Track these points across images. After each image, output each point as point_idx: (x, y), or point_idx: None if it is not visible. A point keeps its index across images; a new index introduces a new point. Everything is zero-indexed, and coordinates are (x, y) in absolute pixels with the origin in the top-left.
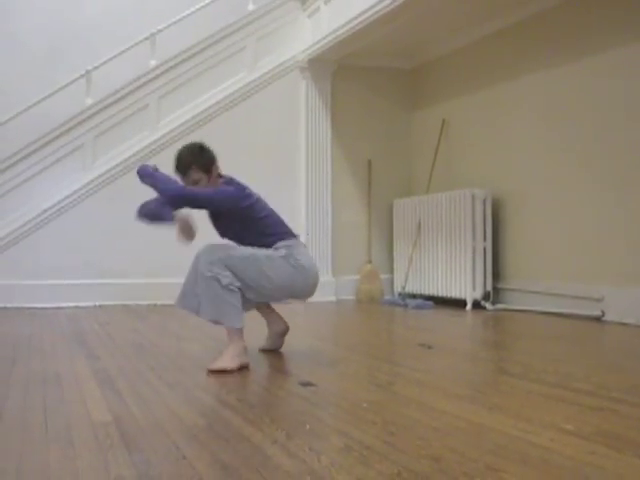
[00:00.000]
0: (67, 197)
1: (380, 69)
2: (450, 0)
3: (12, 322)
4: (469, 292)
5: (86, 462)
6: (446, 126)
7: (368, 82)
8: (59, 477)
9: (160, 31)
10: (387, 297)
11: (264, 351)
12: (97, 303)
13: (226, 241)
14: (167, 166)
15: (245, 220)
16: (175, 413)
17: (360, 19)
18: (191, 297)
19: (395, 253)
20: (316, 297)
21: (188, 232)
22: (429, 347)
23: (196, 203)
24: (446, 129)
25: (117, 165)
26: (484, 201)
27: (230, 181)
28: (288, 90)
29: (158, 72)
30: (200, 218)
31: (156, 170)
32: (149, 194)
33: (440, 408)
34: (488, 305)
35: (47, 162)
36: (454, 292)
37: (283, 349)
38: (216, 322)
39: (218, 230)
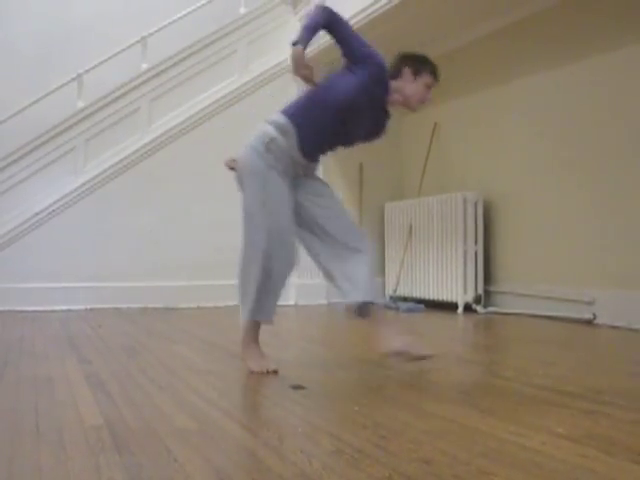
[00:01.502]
0: (58, 200)
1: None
2: (441, 3)
3: (3, 325)
4: (460, 295)
5: (77, 465)
6: (437, 129)
7: None
8: None
9: (151, 34)
10: (378, 300)
11: None
12: (89, 306)
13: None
14: (158, 169)
15: None
16: (166, 416)
17: (351, 22)
18: None
19: (386, 256)
20: (308, 300)
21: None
22: None
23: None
24: (437, 132)
25: (108, 168)
26: (475, 204)
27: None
28: (280, 93)
29: (149, 75)
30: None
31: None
32: (138, 202)
33: (431, 411)
34: (479, 308)
35: (39, 165)
36: (445, 295)
37: (274, 353)
38: None
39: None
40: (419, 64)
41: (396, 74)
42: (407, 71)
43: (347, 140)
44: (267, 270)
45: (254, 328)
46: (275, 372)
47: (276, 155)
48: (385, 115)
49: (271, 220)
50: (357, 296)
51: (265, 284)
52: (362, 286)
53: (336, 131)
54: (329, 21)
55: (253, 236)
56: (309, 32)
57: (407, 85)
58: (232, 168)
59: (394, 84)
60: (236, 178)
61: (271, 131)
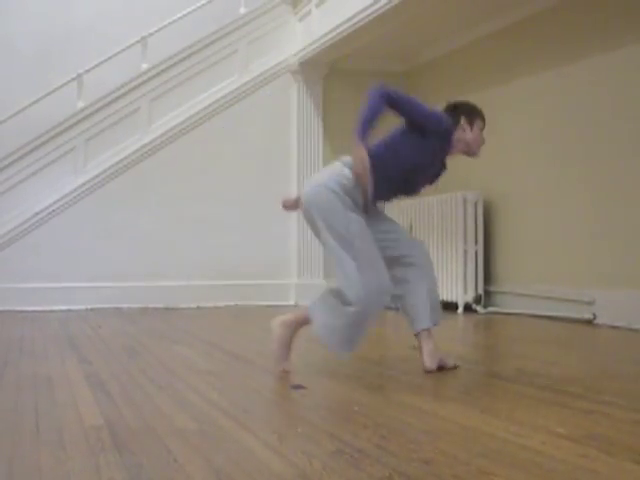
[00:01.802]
0: (58, 200)
1: (372, 72)
2: (442, 3)
3: (3, 325)
4: (460, 295)
5: (77, 465)
6: None
7: (360, 85)
8: None
9: (152, 34)
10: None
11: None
12: (89, 306)
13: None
14: (158, 169)
15: None
16: (167, 416)
17: (351, 22)
18: None
19: None
20: (308, 300)
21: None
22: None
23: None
24: None
25: (109, 168)
26: (475, 204)
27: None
28: (280, 93)
29: (150, 75)
30: None
31: None
32: (138, 202)
33: (431, 411)
34: (479, 308)
35: (39, 165)
36: (445, 295)
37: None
38: None
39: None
40: (472, 112)
41: (454, 125)
42: (464, 121)
43: (412, 191)
44: (361, 306)
45: (298, 328)
46: (287, 372)
47: (353, 197)
48: (443, 166)
49: (362, 256)
50: (419, 325)
51: (358, 318)
52: (421, 314)
53: (403, 186)
54: (388, 103)
55: (349, 277)
56: (369, 125)
57: (467, 134)
58: (290, 208)
59: (455, 135)
60: (305, 217)
61: (349, 174)
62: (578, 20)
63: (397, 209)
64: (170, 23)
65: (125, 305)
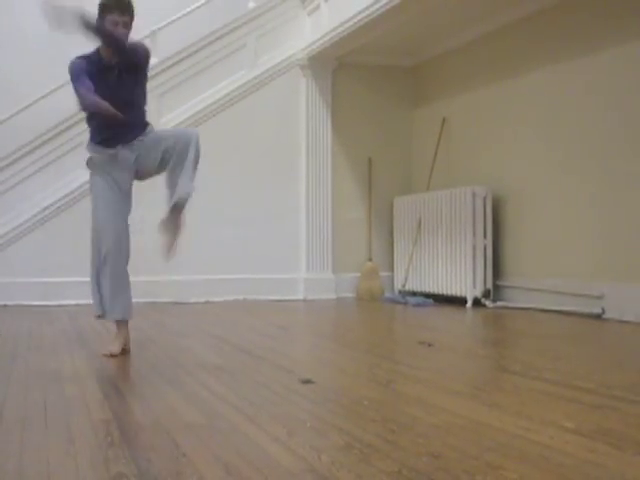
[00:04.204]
0: (67, 195)
1: (381, 67)
2: None
3: (12, 320)
4: (469, 290)
5: (86, 460)
6: (447, 124)
7: (369, 80)
8: (59, 475)
9: (161, 29)
10: (387, 295)
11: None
12: None
13: None
14: None
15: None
16: (175, 411)
17: (360, 17)
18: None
19: (395, 251)
20: (316, 294)
21: None
22: (429, 345)
23: None
24: (447, 127)
25: None
26: (484, 199)
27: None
28: (288, 88)
29: (159, 70)
30: None
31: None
32: (148, 196)
33: (440, 406)
34: (488, 303)
35: (48, 159)
36: (454, 290)
37: (284, 347)
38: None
39: None
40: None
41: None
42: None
43: None
44: None
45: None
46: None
47: None
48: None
49: None
50: None
51: None
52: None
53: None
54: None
55: None
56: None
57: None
58: None
59: None
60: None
61: None
62: (588, 15)
63: (406, 204)
64: (179, 17)
65: (134, 299)
